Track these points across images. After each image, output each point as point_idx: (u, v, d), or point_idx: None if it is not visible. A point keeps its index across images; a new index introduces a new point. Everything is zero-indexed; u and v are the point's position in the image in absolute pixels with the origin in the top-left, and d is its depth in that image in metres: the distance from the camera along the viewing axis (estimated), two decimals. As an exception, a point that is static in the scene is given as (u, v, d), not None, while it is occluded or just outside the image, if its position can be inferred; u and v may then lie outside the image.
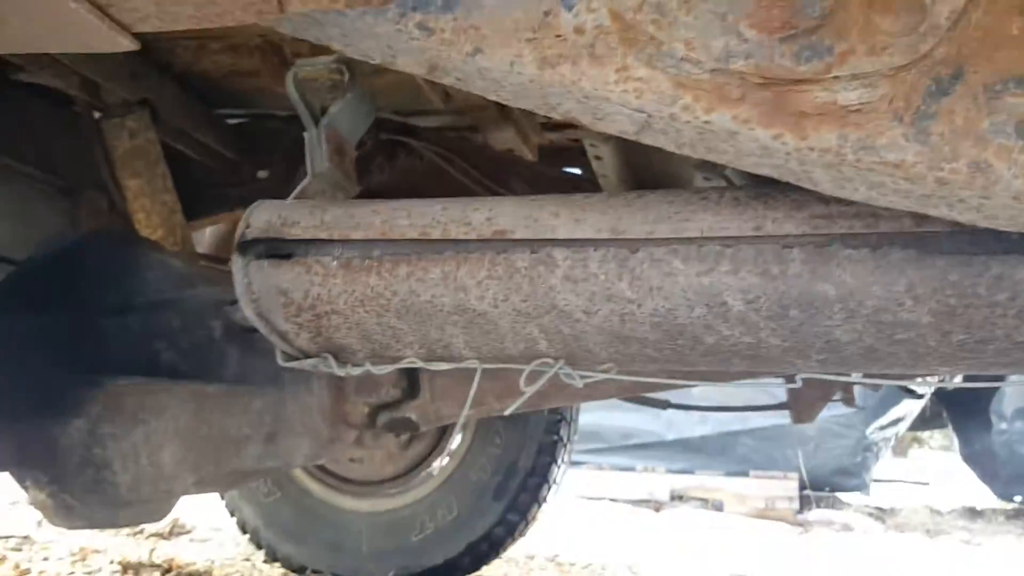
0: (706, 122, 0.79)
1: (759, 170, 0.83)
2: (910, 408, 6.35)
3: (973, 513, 6.27)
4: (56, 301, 1.58)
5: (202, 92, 2.05)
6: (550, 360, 1.15)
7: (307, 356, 1.21)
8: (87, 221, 2.45)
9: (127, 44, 0.79)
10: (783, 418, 4.99)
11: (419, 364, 1.20)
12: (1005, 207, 0.74)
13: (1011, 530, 5.54)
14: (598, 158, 1.56)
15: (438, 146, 2.18)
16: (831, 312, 0.95)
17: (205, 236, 3.27)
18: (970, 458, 6.32)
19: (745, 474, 5.73)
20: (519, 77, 0.84)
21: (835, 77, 0.73)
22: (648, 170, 1.59)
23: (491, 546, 2.93)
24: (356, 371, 1.22)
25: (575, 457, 6.10)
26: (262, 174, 2.77)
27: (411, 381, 1.70)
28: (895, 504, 6.45)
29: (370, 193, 2.57)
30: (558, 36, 0.82)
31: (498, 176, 2.37)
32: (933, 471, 9.01)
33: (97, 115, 2.06)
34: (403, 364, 1.21)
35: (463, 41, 0.84)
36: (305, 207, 1.13)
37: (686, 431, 6.02)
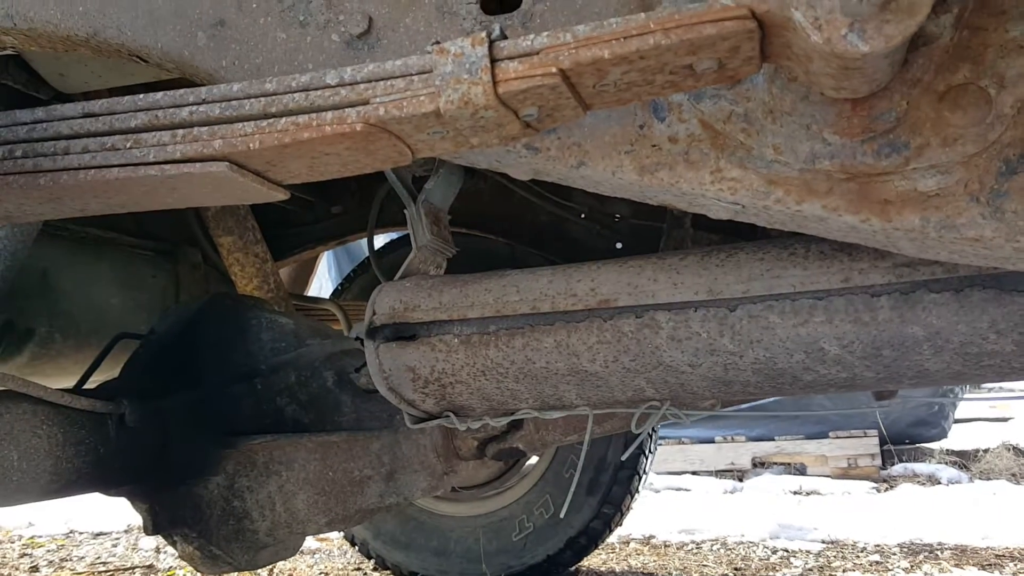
0: (798, 210, 0.88)
1: (847, 239, 0.92)
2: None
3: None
4: (187, 374, 1.74)
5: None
6: (657, 403, 1.26)
7: (432, 417, 1.33)
8: (185, 277, 2.62)
9: (281, 195, 0.91)
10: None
11: (534, 414, 1.32)
12: (1081, 266, 0.81)
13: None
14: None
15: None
16: (920, 350, 1.03)
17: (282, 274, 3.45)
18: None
19: (825, 435, 5.75)
20: (620, 182, 0.94)
21: (913, 168, 0.81)
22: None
23: (589, 539, 3.06)
24: (476, 424, 1.34)
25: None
26: (336, 210, 2.92)
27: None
28: (978, 446, 6.40)
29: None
30: (654, 146, 0.91)
31: (559, 190, 2.46)
32: (1015, 407, 8.84)
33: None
34: (519, 416, 1.33)
35: (567, 157, 0.94)
36: (423, 290, 1.25)
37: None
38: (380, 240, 3.10)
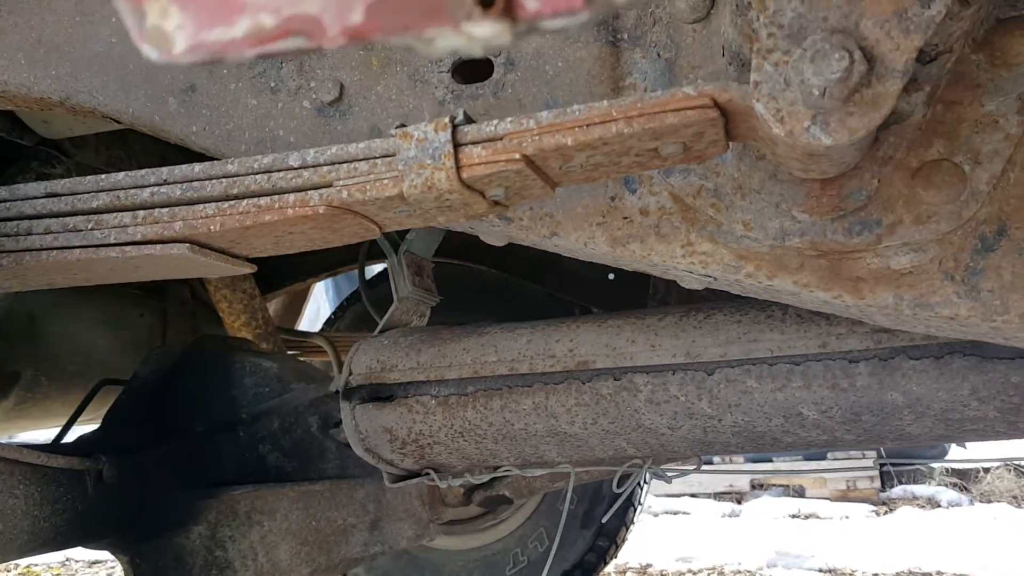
0: (769, 285, 0.86)
1: (824, 310, 0.90)
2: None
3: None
4: (169, 423, 1.72)
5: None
6: (639, 461, 1.24)
7: (412, 475, 1.32)
8: (173, 314, 2.60)
9: (247, 269, 0.90)
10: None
11: (515, 472, 1.30)
12: (1060, 344, 0.80)
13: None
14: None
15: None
16: (901, 415, 1.02)
17: (271, 307, 3.43)
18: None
19: (823, 456, 5.72)
20: (593, 252, 0.93)
21: (886, 246, 0.80)
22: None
23: (584, 573, 3.03)
24: (457, 482, 1.32)
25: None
26: (326, 243, 2.89)
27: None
28: (978, 465, 6.36)
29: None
30: (625, 218, 0.90)
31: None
32: None
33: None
34: (500, 473, 1.31)
35: (539, 227, 0.93)
36: (400, 349, 1.24)
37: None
38: (372, 269, 3.09)
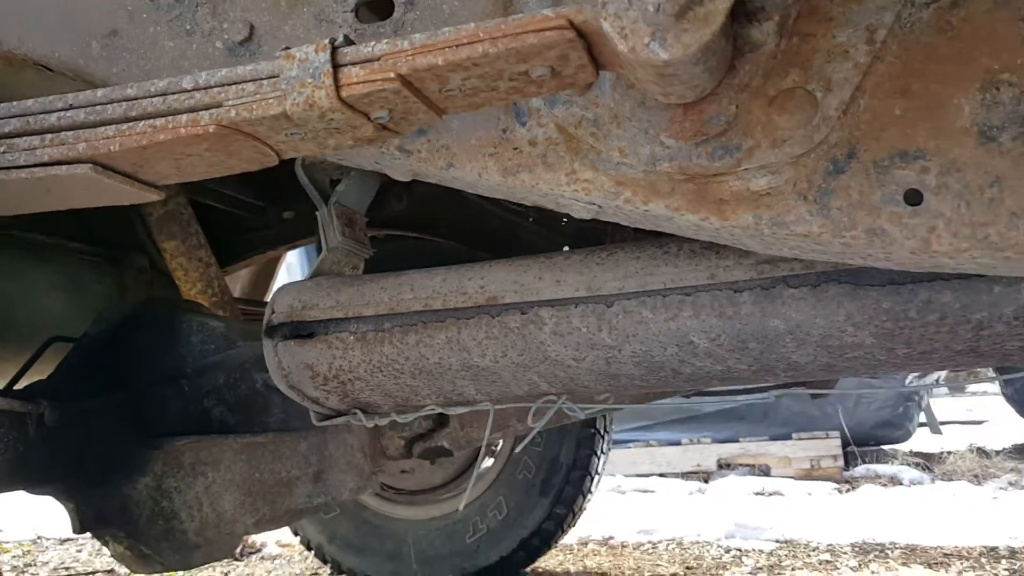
0: (646, 210, 0.92)
1: (700, 237, 0.97)
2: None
3: (1022, 451, 6.28)
4: (116, 376, 1.77)
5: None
6: (553, 397, 1.30)
7: (339, 414, 1.37)
8: (131, 281, 2.65)
9: (154, 196, 0.95)
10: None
11: (439, 410, 1.36)
12: (907, 259, 0.86)
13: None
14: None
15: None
16: (784, 342, 1.08)
17: (240, 279, 3.47)
18: (1010, 395, 6.33)
19: (788, 437, 5.82)
20: (487, 183, 0.98)
21: (745, 169, 0.86)
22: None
23: (542, 540, 3.10)
24: (384, 421, 1.38)
25: (624, 436, 6.25)
26: (288, 215, 2.95)
27: (440, 412, 1.86)
28: (943, 448, 6.49)
29: (393, 222, 2.72)
30: (515, 149, 0.96)
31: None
32: (991, 409, 8.93)
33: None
34: (425, 412, 1.37)
35: (437, 159, 0.98)
36: (321, 289, 1.29)
37: (729, 400, 6.13)
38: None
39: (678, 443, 6.04)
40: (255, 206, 2.82)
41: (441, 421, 1.84)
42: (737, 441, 5.94)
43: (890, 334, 1.04)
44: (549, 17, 0.74)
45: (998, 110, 0.81)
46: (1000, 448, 6.40)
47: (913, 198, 0.83)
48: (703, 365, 1.15)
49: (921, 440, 6.73)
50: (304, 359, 1.26)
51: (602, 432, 3.24)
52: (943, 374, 6.65)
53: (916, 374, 6.21)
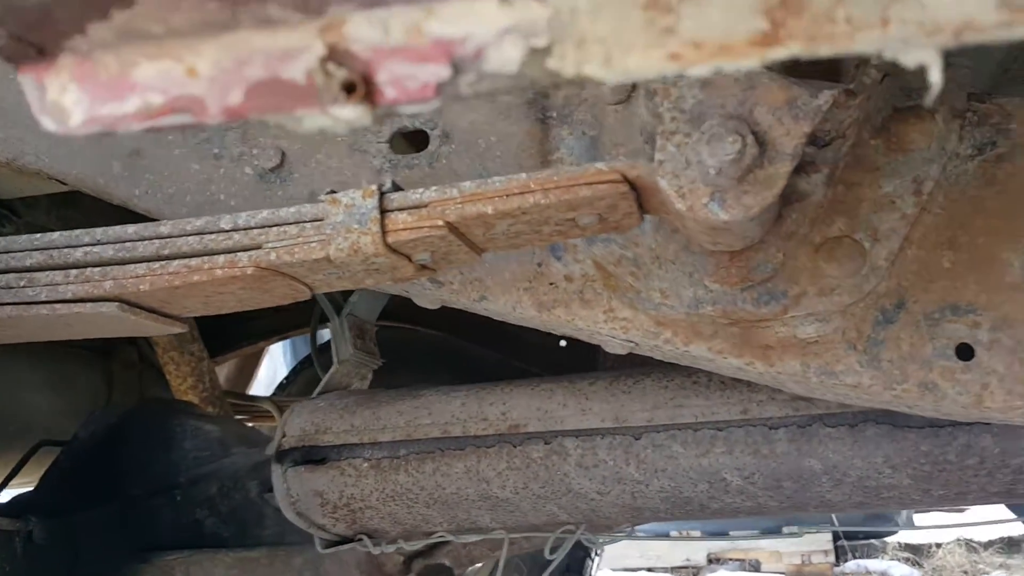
0: (686, 351, 0.90)
1: (740, 376, 0.94)
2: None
3: (1011, 545, 6.21)
4: (106, 485, 1.69)
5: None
6: (572, 527, 1.25)
7: (345, 540, 1.31)
8: (120, 375, 2.57)
9: (178, 328, 0.92)
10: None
11: (449, 538, 1.30)
12: (957, 413, 0.84)
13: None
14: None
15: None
16: (820, 482, 1.05)
17: (225, 368, 3.39)
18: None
19: (779, 531, 5.72)
20: (521, 316, 0.96)
21: (792, 316, 0.84)
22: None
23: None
24: (391, 548, 1.32)
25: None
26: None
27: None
28: (931, 540, 6.39)
29: (382, 313, 2.68)
30: (551, 284, 0.94)
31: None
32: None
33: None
34: (434, 539, 1.31)
35: (469, 291, 0.96)
36: (335, 411, 1.25)
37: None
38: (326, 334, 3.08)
39: (667, 535, 5.91)
40: (248, 296, 2.78)
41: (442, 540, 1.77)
42: (727, 535, 5.82)
43: (928, 476, 1.02)
44: (603, 171, 0.73)
45: (1049, 266, 0.80)
46: (988, 541, 6.32)
47: (965, 353, 0.82)
48: (733, 501, 1.11)
49: (908, 532, 6.64)
50: (314, 486, 1.21)
51: (592, 553, 3.16)
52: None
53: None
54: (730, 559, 5.59)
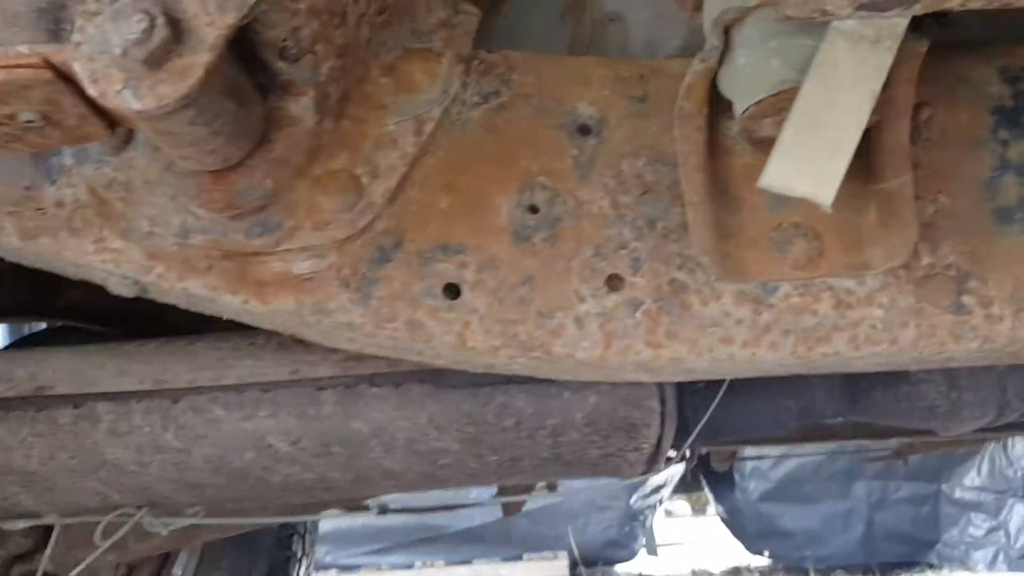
0: (183, 288, 0.83)
1: (254, 324, 0.88)
2: (671, 474, 6.72)
3: (736, 573, 6.68)
4: None
5: None
6: (132, 510, 1.13)
7: None
8: None
9: None
10: (556, 496, 5.12)
11: (-11, 525, 1.13)
12: (449, 355, 0.83)
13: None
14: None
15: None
16: (371, 447, 1.01)
17: None
18: (724, 517, 6.78)
19: (519, 558, 5.80)
20: (8, 247, 0.84)
21: (287, 250, 0.80)
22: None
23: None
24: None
25: (353, 561, 5.91)
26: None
27: (45, 529, 1.59)
28: (667, 571, 6.75)
29: (69, 311, 2.42)
30: (39, 209, 0.83)
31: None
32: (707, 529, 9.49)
33: None
34: (-27, 527, 1.13)
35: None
36: None
37: (468, 520, 6.02)
38: None
39: (411, 566, 5.82)
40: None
41: (44, 541, 1.57)
42: (471, 563, 5.83)
43: (474, 439, 1.00)
44: (23, 53, 0.65)
45: (531, 211, 0.81)
46: (719, 571, 6.77)
47: (452, 292, 0.81)
48: (291, 472, 1.04)
49: (644, 561, 6.98)
50: None
51: (300, 555, 3.00)
52: (667, 491, 7.02)
53: (642, 494, 6.51)
54: (470, 589, 5.59)
